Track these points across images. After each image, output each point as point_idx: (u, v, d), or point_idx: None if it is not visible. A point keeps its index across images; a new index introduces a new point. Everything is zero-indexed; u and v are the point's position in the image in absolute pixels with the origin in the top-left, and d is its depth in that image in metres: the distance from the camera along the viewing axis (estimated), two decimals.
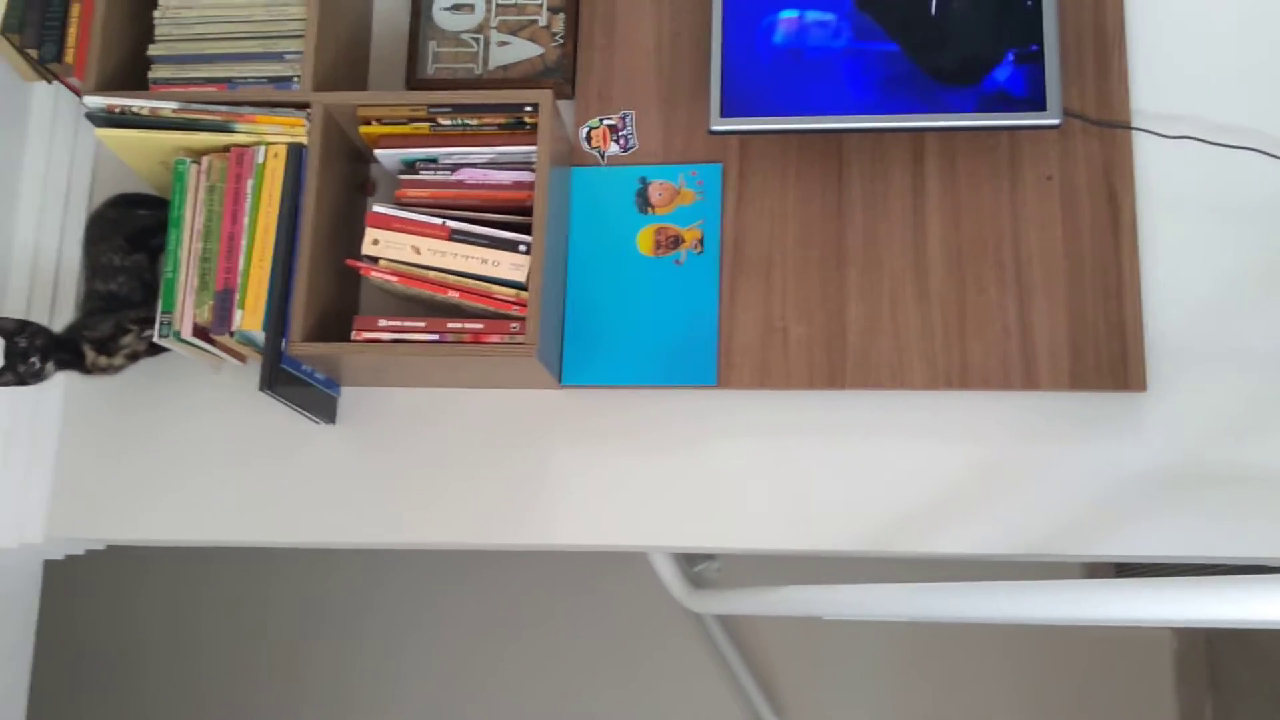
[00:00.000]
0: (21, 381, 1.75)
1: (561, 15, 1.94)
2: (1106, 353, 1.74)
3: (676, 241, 1.87)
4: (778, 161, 1.87)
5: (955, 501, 1.77)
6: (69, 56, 1.84)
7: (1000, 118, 1.72)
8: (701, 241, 1.86)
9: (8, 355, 1.74)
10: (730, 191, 1.87)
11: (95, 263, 1.87)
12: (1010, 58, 1.73)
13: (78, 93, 1.97)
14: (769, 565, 3.00)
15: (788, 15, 1.80)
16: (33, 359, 1.73)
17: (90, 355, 1.81)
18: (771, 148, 1.88)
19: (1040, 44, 1.73)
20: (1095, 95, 1.83)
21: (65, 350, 1.78)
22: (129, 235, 1.87)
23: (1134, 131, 1.82)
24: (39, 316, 1.97)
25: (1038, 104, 1.71)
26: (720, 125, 1.78)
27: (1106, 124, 1.81)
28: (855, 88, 1.76)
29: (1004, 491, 1.76)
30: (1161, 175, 1.82)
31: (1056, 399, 1.77)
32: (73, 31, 1.84)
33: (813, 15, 1.79)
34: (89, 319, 1.83)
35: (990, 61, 1.74)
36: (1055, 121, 1.71)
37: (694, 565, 2.70)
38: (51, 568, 2.16)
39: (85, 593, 3.23)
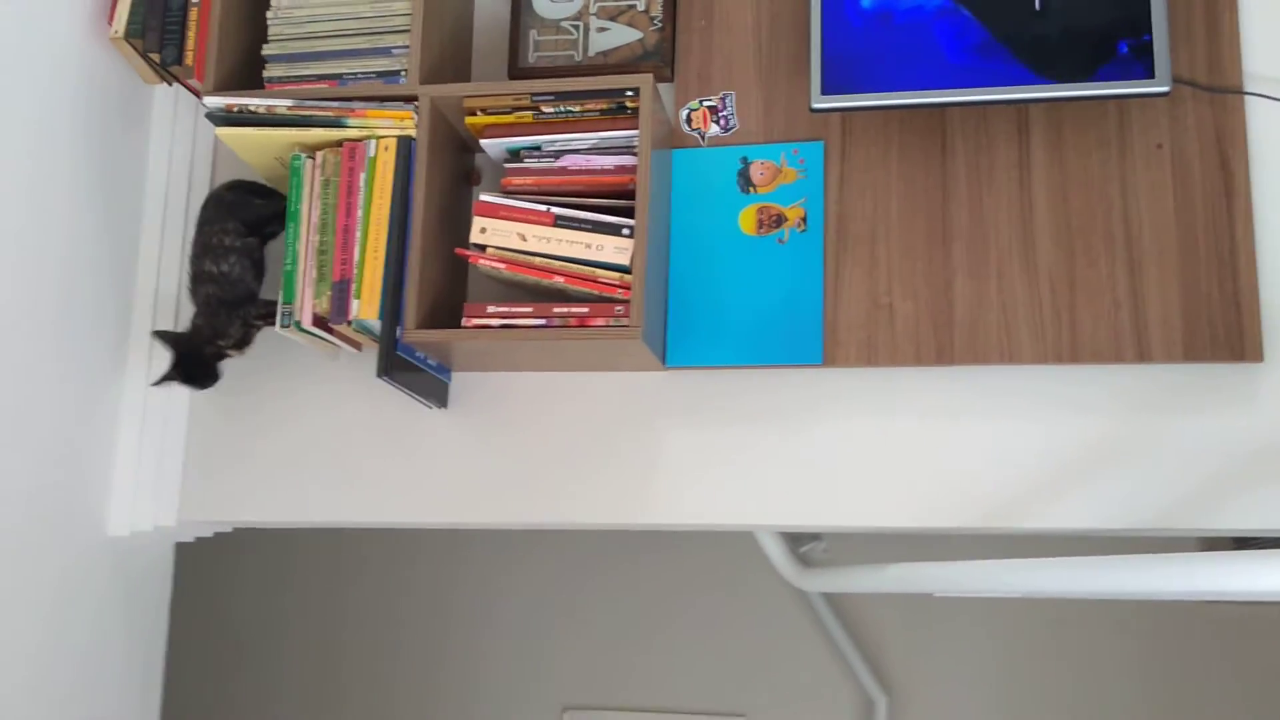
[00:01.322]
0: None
1: None
2: (1221, 323, 1.71)
3: (779, 220, 1.88)
4: (880, 137, 1.87)
5: (1067, 476, 1.75)
6: (188, 59, 1.91)
7: (1107, 86, 1.69)
8: (805, 219, 1.87)
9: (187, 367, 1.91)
10: (832, 168, 1.87)
11: (207, 241, 1.92)
12: (1124, 49, 1.70)
13: (197, 94, 2.05)
14: (877, 544, 2.99)
15: None
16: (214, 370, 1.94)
17: (233, 354, 1.95)
18: (873, 123, 1.87)
19: (1149, 33, 1.69)
20: (1205, 60, 1.78)
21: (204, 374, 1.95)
22: (245, 221, 1.94)
23: (1247, 96, 1.77)
24: (165, 310, 2.05)
25: (1146, 71, 1.68)
26: (821, 103, 1.78)
27: (1218, 89, 1.77)
28: (952, 51, 1.74)
29: (1117, 465, 1.73)
30: (1276, 141, 1.76)
31: (1170, 371, 1.74)
32: (191, 35, 1.92)
33: None
34: (215, 322, 1.90)
35: (1100, 56, 1.70)
36: (1164, 89, 1.67)
37: (800, 546, 2.71)
38: (182, 550, 2.26)
39: (213, 573, 3.35)
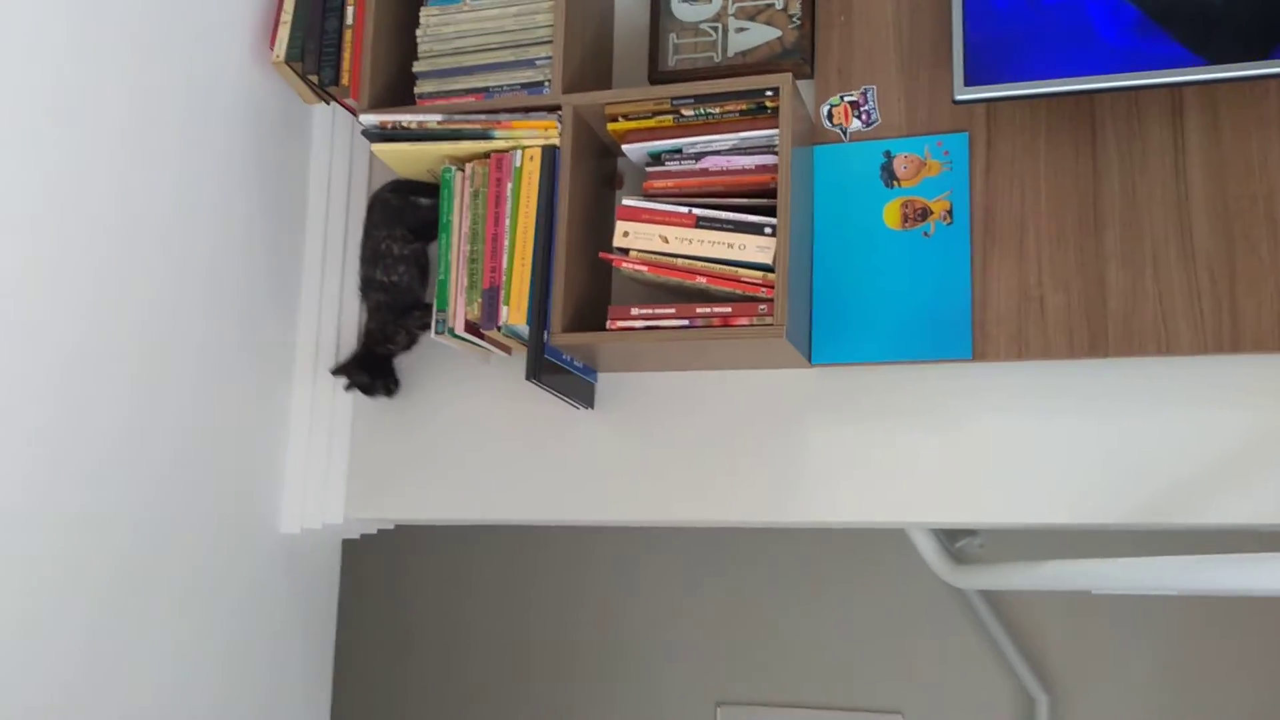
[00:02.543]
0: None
1: None
2: None
3: (924, 213, 1.86)
4: (1026, 126, 1.83)
5: (1229, 470, 1.69)
6: (344, 79, 2.00)
7: (1270, 65, 1.61)
8: (950, 212, 1.84)
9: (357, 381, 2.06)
10: (978, 160, 1.85)
11: (376, 248, 2.02)
12: None
13: (353, 111, 2.14)
14: (1034, 538, 2.92)
15: None
16: (379, 390, 2.06)
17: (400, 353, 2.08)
18: (1019, 112, 1.83)
19: None
20: None
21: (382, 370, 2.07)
22: (411, 226, 2.02)
23: None
24: (328, 317, 2.15)
25: None
26: (965, 94, 1.75)
27: None
28: (1109, 33, 1.69)
29: None
30: None
31: None
32: (346, 56, 2.00)
33: None
34: (384, 330, 2.02)
35: (1269, 35, 1.63)
36: None
37: (955, 541, 2.66)
38: (348, 546, 2.37)
39: (380, 570, 3.48)
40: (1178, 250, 1.72)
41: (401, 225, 2.01)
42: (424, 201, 2.02)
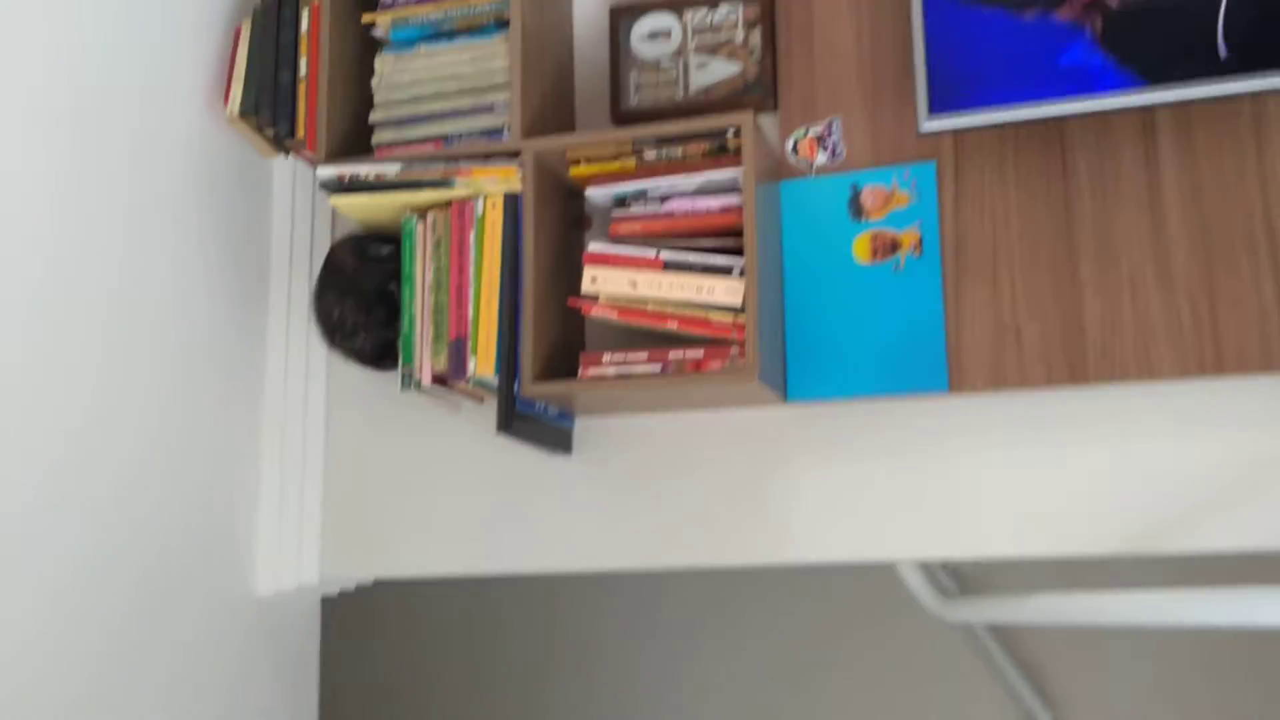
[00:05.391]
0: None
1: (758, 29, 1.93)
2: None
3: (894, 246, 1.83)
4: (994, 153, 1.80)
5: (1218, 494, 1.65)
6: (300, 131, 1.96)
7: (1243, 81, 1.58)
8: (920, 244, 1.81)
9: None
10: (946, 190, 1.81)
11: (329, 314, 1.97)
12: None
13: (313, 164, 2.10)
14: (1034, 569, 2.88)
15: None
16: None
17: None
18: (987, 139, 1.80)
19: None
20: None
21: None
22: (369, 289, 1.95)
23: None
24: (295, 371, 2.11)
25: None
26: (931, 124, 1.73)
27: None
28: (1074, 57, 1.66)
29: (1273, 481, 1.63)
30: None
31: None
32: (301, 108, 1.96)
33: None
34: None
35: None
36: None
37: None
38: (328, 604, 2.32)
39: (359, 625, 3.43)
40: (1155, 273, 1.69)
41: (354, 295, 1.94)
42: (384, 250, 1.97)
